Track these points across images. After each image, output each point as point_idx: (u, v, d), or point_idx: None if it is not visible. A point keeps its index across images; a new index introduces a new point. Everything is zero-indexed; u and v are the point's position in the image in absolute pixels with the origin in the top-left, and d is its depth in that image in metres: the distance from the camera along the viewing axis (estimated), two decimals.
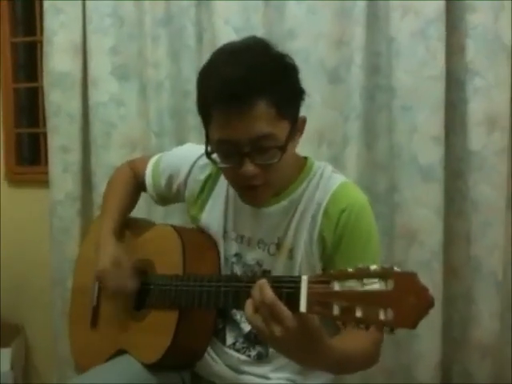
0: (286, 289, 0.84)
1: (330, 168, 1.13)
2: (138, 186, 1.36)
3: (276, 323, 0.82)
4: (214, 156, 1.03)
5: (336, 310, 0.77)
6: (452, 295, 1.77)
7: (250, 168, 0.98)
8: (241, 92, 0.93)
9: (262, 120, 0.96)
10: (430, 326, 1.67)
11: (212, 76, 0.99)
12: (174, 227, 1.21)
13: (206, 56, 1.82)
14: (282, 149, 0.98)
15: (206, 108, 1.01)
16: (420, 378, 1.73)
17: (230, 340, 1.16)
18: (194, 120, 1.86)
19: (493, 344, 1.71)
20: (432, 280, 1.68)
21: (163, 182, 1.29)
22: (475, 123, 1.67)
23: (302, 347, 0.85)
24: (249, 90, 0.94)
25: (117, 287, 1.21)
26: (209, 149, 1.03)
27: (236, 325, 1.16)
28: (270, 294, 0.83)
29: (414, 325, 0.72)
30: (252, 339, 1.14)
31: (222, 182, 1.18)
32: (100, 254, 1.23)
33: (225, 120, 0.97)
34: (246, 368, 1.14)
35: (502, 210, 1.69)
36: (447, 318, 1.76)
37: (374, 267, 0.75)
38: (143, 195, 1.40)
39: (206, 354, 1.18)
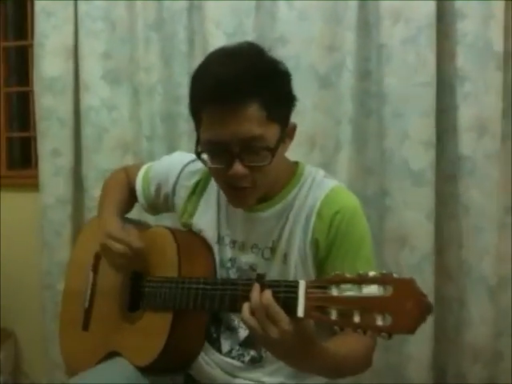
0: (284, 293, 0.84)
1: (321, 173, 1.14)
2: (133, 191, 1.35)
3: (272, 325, 0.82)
4: (204, 156, 1.03)
5: (334, 315, 0.77)
6: (446, 298, 1.78)
7: (239, 169, 0.98)
8: (232, 92, 0.94)
9: (253, 121, 0.96)
10: (421, 328, 1.67)
11: (204, 76, 1.00)
12: (170, 229, 1.20)
13: (197, 60, 1.83)
14: (272, 151, 0.98)
15: (196, 108, 1.02)
16: (411, 379, 1.74)
17: (225, 348, 1.16)
18: (185, 124, 1.87)
19: (484, 348, 1.72)
20: (423, 283, 1.69)
21: (152, 190, 1.28)
22: (466, 128, 1.69)
23: (297, 351, 0.85)
24: (240, 91, 0.94)
25: (124, 251, 1.13)
26: (199, 149, 1.03)
27: (232, 331, 1.15)
28: (267, 295, 0.84)
29: (412, 330, 0.72)
30: (248, 344, 1.13)
31: (212, 188, 1.18)
32: (104, 225, 1.19)
33: (215, 120, 0.97)
34: (241, 374, 1.14)
35: (493, 215, 1.70)
36: (441, 321, 1.77)
37: (372, 273, 0.75)
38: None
39: (200, 358, 1.17)
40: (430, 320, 1.71)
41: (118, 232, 1.16)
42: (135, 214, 1.40)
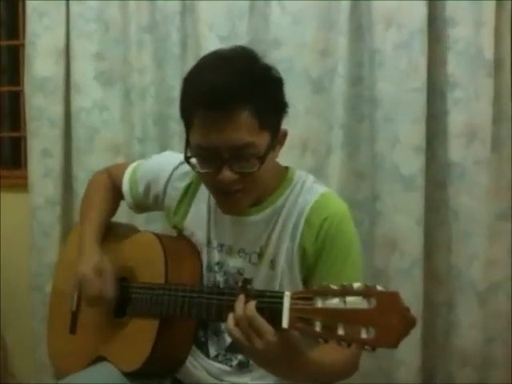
0: (269, 304, 0.85)
1: (311, 178, 1.14)
2: (117, 192, 1.34)
3: (256, 336, 0.83)
4: (193, 161, 1.03)
5: (318, 327, 0.77)
6: (435, 303, 1.79)
7: (227, 175, 0.98)
8: (224, 99, 0.93)
9: (244, 129, 0.96)
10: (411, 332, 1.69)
11: (197, 80, 0.99)
12: (156, 235, 1.20)
13: (190, 63, 1.83)
14: (261, 159, 0.98)
15: (188, 112, 1.01)
16: (401, 382, 1.74)
17: (213, 352, 1.16)
18: (177, 126, 1.86)
19: (473, 352, 1.73)
20: (413, 288, 1.70)
21: (141, 189, 1.27)
22: (456, 134, 1.70)
23: (282, 361, 0.85)
24: (233, 98, 0.94)
25: (96, 294, 1.18)
26: (188, 153, 1.03)
27: (219, 336, 1.15)
28: (251, 306, 0.84)
29: (395, 344, 0.72)
30: (234, 349, 1.13)
31: (204, 191, 1.17)
32: (82, 259, 1.21)
33: (206, 126, 0.97)
34: (228, 378, 1.14)
35: (483, 220, 1.71)
36: (430, 325, 1.78)
37: (357, 285, 0.76)
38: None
39: (187, 362, 1.17)
40: (418, 324, 1.72)
41: (92, 277, 1.18)
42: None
